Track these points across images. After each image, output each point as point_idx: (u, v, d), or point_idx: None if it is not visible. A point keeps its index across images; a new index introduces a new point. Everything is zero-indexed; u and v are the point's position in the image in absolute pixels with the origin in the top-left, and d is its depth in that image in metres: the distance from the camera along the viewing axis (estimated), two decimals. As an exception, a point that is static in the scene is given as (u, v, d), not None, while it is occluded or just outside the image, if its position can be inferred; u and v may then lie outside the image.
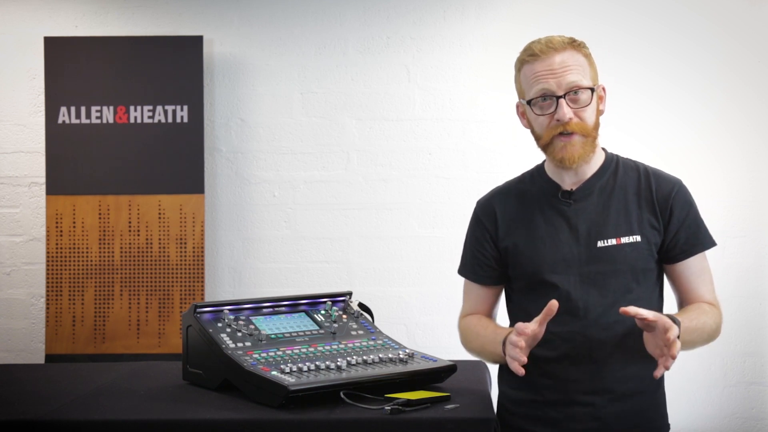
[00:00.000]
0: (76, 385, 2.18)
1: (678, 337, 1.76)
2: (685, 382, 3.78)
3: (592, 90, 1.97)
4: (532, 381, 2.02)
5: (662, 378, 2.05)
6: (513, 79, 2.07)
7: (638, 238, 1.99)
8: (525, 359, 1.82)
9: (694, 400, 3.82)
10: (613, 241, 1.98)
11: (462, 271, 2.18)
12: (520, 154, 3.59)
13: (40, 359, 3.88)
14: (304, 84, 3.97)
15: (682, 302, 2.06)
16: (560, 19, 3.77)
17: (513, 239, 2.06)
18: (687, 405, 3.80)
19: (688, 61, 3.84)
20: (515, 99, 2.07)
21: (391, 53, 3.95)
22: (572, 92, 1.94)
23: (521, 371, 1.82)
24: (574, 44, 1.97)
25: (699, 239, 2.03)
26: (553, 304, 1.83)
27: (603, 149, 2.09)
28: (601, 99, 2.02)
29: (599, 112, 2.01)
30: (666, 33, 3.85)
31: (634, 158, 2.11)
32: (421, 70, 3.94)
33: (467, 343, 2.15)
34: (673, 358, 1.75)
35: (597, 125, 2.00)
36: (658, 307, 2.05)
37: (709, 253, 2.07)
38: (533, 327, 1.84)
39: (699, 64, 3.84)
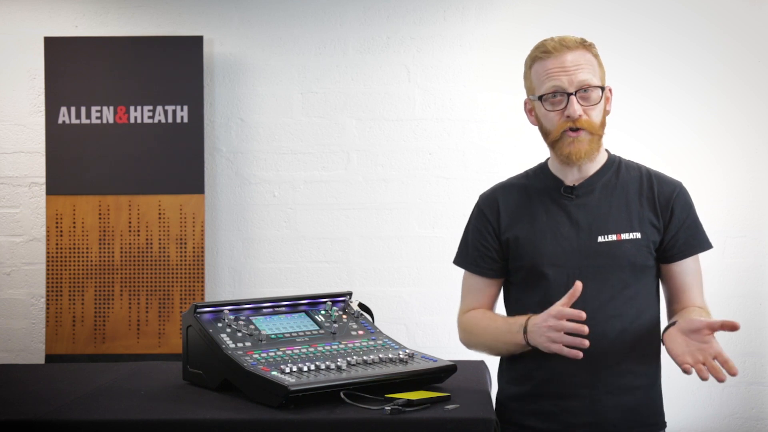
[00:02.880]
0: (76, 385, 2.18)
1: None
2: (685, 382, 3.75)
3: (602, 89, 2.01)
4: (529, 375, 2.05)
5: (658, 374, 2.08)
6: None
7: (638, 235, 2.01)
8: (586, 342, 1.83)
9: (694, 400, 3.81)
10: (613, 237, 2.01)
11: (462, 263, 2.18)
12: (520, 154, 3.61)
13: (40, 359, 3.88)
14: (304, 84, 3.97)
15: (672, 301, 2.09)
16: (560, 19, 3.77)
17: (515, 232, 2.08)
18: (687, 405, 3.79)
19: (688, 61, 3.84)
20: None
21: (391, 53, 3.95)
22: (582, 90, 1.98)
23: (579, 354, 1.84)
24: (585, 44, 2.02)
25: (697, 240, 2.06)
26: (578, 286, 1.85)
27: (606, 150, 2.12)
28: (608, 100, 2.07)
29: (606, 112, 2.05)
30: (666, 33, 3.85)
31: (636, 160, 2.15)
32: (421, 70, 3.94)
33: (474, 337, 2.14)
34: (720, 379, 1.77)
35: (603, 124, 2.04)
36: (655, 304, 2.07)
37: (709, 253, 2.09)
38: (568, 310, 1.85)
39: (699, 64, 3.83)
